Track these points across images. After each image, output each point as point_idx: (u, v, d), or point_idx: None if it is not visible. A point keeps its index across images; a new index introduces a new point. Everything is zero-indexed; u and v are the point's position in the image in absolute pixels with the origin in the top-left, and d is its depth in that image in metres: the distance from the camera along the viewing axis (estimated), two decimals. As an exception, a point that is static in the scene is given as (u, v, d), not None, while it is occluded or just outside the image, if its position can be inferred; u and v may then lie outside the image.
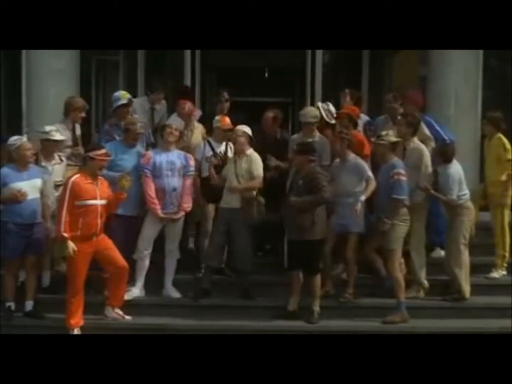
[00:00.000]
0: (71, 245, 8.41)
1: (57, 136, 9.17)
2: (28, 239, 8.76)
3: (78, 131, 9.77)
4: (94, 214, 8.52)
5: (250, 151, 9.36)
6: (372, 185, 9.14)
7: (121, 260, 8.70)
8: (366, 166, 9.25)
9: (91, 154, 8.60)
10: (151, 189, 9.16)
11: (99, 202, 8.55)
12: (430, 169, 9.35)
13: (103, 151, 8.68)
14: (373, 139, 9.30)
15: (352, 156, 9.26)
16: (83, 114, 9.85)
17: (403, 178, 8.89)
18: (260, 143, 9.69)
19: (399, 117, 9.65)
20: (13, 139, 8.84)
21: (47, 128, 9.20)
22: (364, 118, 10.27)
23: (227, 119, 9.66)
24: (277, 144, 10.08)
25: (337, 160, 9.42)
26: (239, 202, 9.25)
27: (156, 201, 9.14)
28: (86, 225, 8.48)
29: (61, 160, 9.37)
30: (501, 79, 11.88)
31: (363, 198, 9.06)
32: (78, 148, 9.54)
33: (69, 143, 9.62)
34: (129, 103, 9.76)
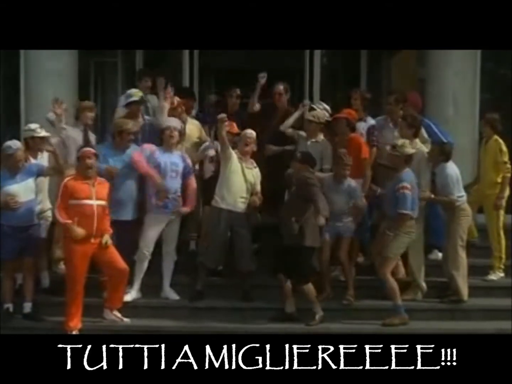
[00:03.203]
0: (76, 228, 8.38)
1: (42, 133, 9.10)
2: (25, 241, 8.72)
3: (92, 137, 9.72)
4: (90, 215, 8.46)
5: (257, 168, 9.43)
6: (362, 209, 9.29)
7: (122, 263, 8.68)
8: (359, 190, 9.31)
9: (78, 154, 8.66)
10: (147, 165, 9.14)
11: (94, 202, 8.49)
12: (429, 173, 9.38)
13: (87, 149, 8.68)
14: (387, 148, 9.21)
15: (348, 180, 9.30)
16: (93, 114, 9.80)
17: (408, 192, 8.81)
18: (272, 116, 9.87)
19: (400, 119, 9.66)
20: (8, 145, 8.77)
21: (32, 125, 9.16)
22: (369, 121, 10.19)
23: (234, 125, 9.61)
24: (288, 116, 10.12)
25: (330, 175, 9.44)
26: (245, 205, 9.26)
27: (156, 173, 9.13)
28: (82, 225, 8.43)
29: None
30: (499, 82, 11.89)
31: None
32: None
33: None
34: (140, 101, 9.70)
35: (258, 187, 9.38)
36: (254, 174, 9.37)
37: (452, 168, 9.33)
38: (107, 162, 9.06)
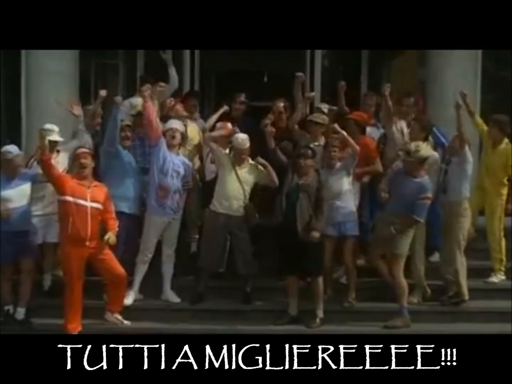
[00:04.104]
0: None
1: (51, 137, 9.10)
2: (21, 246, 8.72)
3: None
4: (84, 216, 8.46)
5: (252, 161, 9.38)
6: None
7: (119, 269, 8.68)
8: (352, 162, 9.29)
9: (74, 154, 8.75)
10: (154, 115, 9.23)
11: (88, 203, 8.48)
12: (436, 178, 9.42)
13: (83, 149, 8.75)
14: (400, 154, 9.23)
15: (338, 164, 9.30)
16: (99, 120, 9.96)
17: (429, 203, 8.90)
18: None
19: (412, 121, 9.69)
20: (7, 149, 8.79)
21: (47, 126, 9.19)
22: (381, 129, 10.27)
23: (228, 125, 9.61)
24: (289, 134, 10.03)
25: (324, 168, 9.39)
26: (242, 208, 9.25)
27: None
28: (75, 225, 8.42)
29: (57, 151, 9.29)
30: (499, 83, 11.88)
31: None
32: None
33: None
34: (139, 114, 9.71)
35: (266, 177, 9.33)
36: (248, 171, 9.32)
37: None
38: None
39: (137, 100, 9.87)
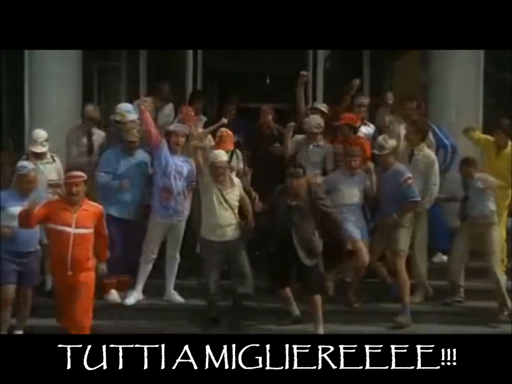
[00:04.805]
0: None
1: (34, 148, 9.24)
2: (22, 268, 8.46)
3: (97, 139, 9.99)
4: (65, 242, 7.76)
5: (237, 180, 9.24)
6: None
7: (82, 319, 8.03)
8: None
9: (65, 178, 8.19)
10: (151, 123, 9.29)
11: (72, 230, 7.77)
12: (438, 179, 9.41)
13: (75, 174, 7.98)
14: (376, 151, 9.26)
15: (359, 171, 9.34)
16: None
17: (414, 181, 8.98)
18: (259, 139, 9.92)
19: (409, 124, 9.70)
20: (21, 164, 8.66)
21: (34, 134, 9.32)
22: (372, 127, 10.31)
23: (231, 136, 9.55)
24: (274, 139, 10.13)
25: (338, 172, 9.45)
26: (237, 232, 9.03)
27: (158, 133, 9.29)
28: (55, 251, 7.98)
29: (53, 159, 9.37)
30: (500, 86, 11.87)
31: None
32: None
33: (84, 149, 9.86)
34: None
35: (252, 194, 9.29)
36: (237, 191, 9.11)
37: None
38: (118, 165, 9.27)
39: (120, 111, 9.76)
